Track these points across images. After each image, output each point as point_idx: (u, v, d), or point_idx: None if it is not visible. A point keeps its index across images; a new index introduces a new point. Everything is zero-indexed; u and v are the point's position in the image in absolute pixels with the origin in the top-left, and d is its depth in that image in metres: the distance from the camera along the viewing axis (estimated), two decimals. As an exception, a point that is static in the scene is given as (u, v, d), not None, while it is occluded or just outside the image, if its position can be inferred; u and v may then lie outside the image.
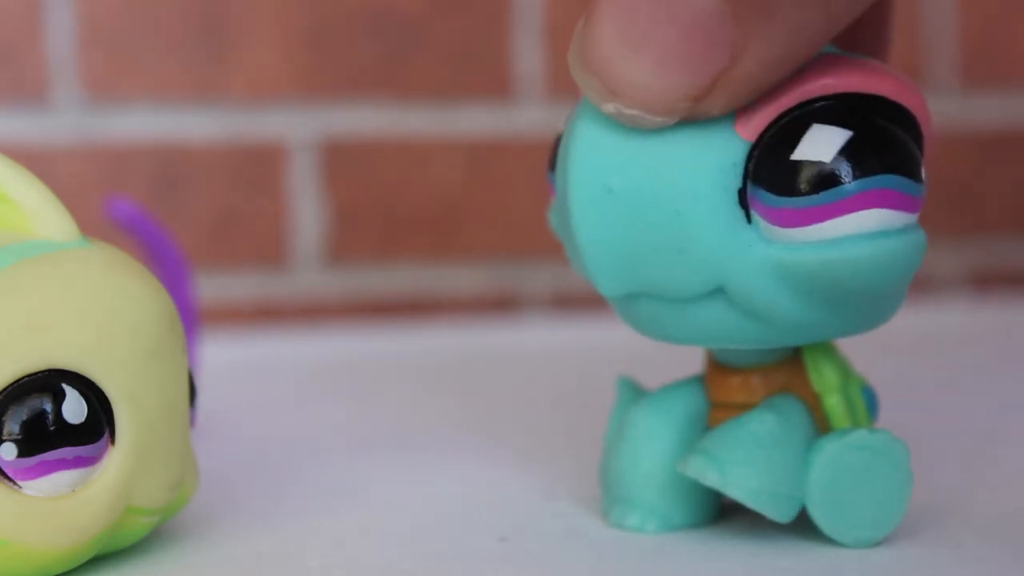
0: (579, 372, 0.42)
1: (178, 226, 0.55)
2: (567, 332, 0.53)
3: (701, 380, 0.24)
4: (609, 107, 0.21)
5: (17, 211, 0.22)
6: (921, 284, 0.63)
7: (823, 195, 0.20)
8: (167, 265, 0.33)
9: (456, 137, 0.59)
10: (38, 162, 0.55)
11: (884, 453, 0.22)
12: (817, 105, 0.20)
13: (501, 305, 0.60)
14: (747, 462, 0.22)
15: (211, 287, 0.57)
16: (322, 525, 0.25)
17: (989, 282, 0.64)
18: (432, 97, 0.59)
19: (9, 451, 0.21)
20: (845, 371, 0.24)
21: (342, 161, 0.58)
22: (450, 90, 0.59)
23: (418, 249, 0.59)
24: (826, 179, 0.20)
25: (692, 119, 0.21)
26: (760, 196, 0.21)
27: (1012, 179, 0.64)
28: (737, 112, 0.21)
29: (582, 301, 0.58)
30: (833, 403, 0.23)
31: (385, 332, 0.54)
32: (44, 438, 0.21)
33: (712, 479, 0.22)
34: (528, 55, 0.59)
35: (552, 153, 0.25)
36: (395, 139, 0.59)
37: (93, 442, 0.21)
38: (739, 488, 0.22)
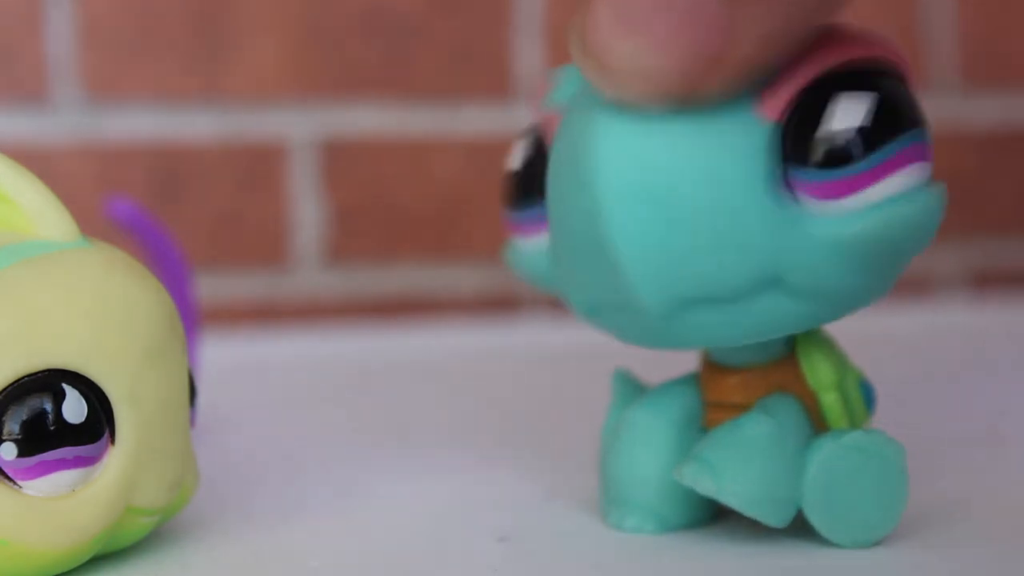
0: (579, 372, 0.42)
1: (178, 226, 0.55)
2: (567, 332, 0.53)
3: (696, 378, 0.24)
4: (609, 92, 0.21)
5: (17, 211, 0.22)
6: (921, 284, 0.63)
7: (863, 161, 0.20)
8: (167, 265, 0.33)
9: (456, 137, 0.59)
10: (38, 162, 0.55)
11: (879, 454, 0.22)
12: (833, 75, 0.21)
13: (501, 305, 0.60)
14: (742, 469, 0.22)
15: (211, 287, 0.57)
16: (322, 525, 0.25)
17: (989, 282, 0.64)
18: (432, 97, 0.59)
19: (9, 451, 0.21)
20: (841, 366, 0.24)
21: (342, 161, 0.58)
22: (450, 90, 0.59)
23: (418, 249, 0.59)
24: (869, 143, 0.20)
25: (691, 103, 0.20)
26: (801, 174, 0.20)
27: (1012, 179, 0.64)
28: (760, 94, 0.20)
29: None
30: (829, 401, 0.23)
31: (385, 332, 0.54)
32: (44, 438, 0.21)
33: (706, 487, 0.22)
34: (528, 55, 0.59)
35: (515, 189, 0.24)
36: (395, 139, 0.59)
37: (93, 442, 0.21)
38: (733, 496, 0.22)
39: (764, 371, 0.24)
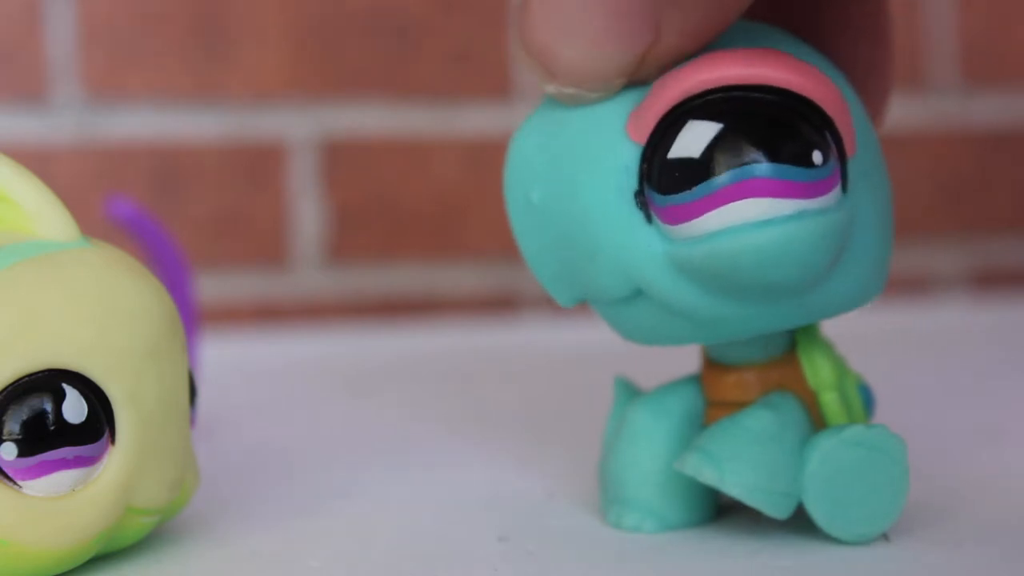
0: (579, 372, 0.42)
1: (178, 226, 0.55)
2: (567, 332, 0.53)
3: (698, 379, 0.24)
4: (550, 88, 0.21)
5: (17, 211, 0.22)
6: (921, 284, 0.63)
7: (696, 190, 0.20)
8: (167, 265, 0.33)
9: (456, 137, 0.59)
10: (38, 162, 0.55)
11: (880, 448, 0.22)
12: (697, 101, 0.21)
13: (501, 305, 0.60)
14: (744, 459, 0.22)
15: (211, 287, 0.57)
16: (322, 525, 0.25)
17: (989, 282, 0.64)
18: (432, 97, 0.59)
19: (9, 451, 0.21)
20: (841, 368, 0.24)
21: (342, 161, 0.58)
22: (450, 90, 0.59)
23: (418, 249, 0.59)
24: (697, 173, 0.20)
25: (631, 85, 0.21)
26: (652, 196, 0.21)
27: (1012, 179, 0.64)
28: (629, 115, 0.21)
29: (582, 301, 0.58)
30: (829, 400, 0.23)
31: (385, 332, 0.54)
32: (44, 438, 0.21)
33: (709, 476, 0.22)
34: (528, 55, 0.59)
35: None
36: (395, 139, 0.59)
37: (93, 442, 0.21)
38: (736, 485, 0.22)
39: (764, 370, 0.24)
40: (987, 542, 0.23)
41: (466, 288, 0.60)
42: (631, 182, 0.21)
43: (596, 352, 0.40)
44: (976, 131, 0.63)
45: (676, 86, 0.21)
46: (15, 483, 0.21)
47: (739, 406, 0.23)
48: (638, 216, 0.21)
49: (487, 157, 0.59)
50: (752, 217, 0.20)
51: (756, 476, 0.22)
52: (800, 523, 0.23)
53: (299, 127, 0.58)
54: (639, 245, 0.21)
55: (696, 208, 0.20)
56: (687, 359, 0.27)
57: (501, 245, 0.60)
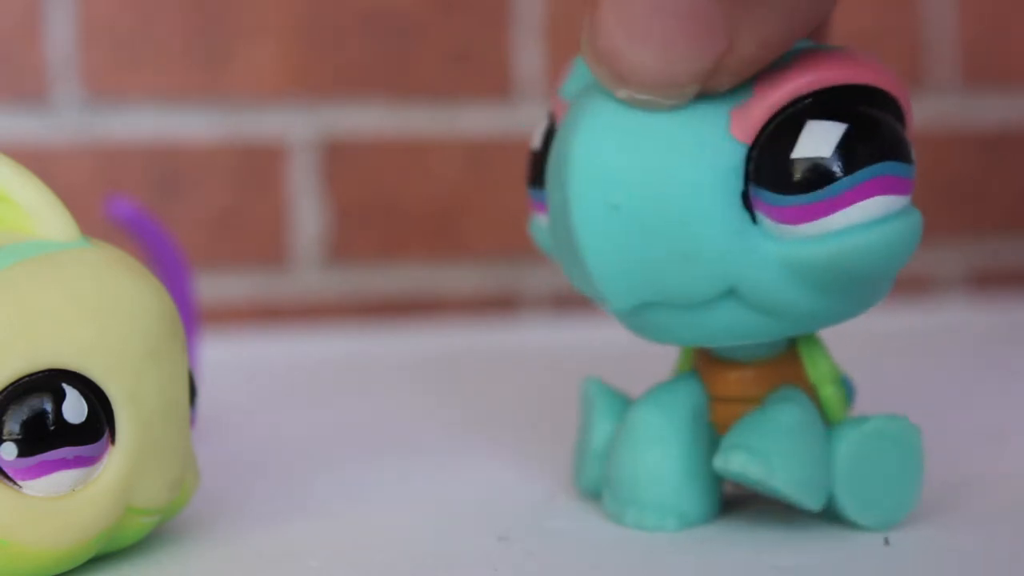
0: (579, 372, 0.42)
1: (178, 226, 0.55)
2: (567, 332, 0.53)
3: (696, 375, 0.25)
4: (622, 93, 0.21)
5: (17, 211, 0.22)
6: (921, 284, 0.63)
7: (827, 189, 0.20)
8: (167, 265, 0.33)
9: (456, 137, 0.59)
10: (38, 162, 0.55)
11: (902, 438, 0.23)
12: (808, 101, 0.21)
13: (501, 305, 0.60)
14: (787, 453, 0.22)
15: (211, 287, 0.57)
16: (322, 525, 0.25)
17: (989, 282, 0.64)
18: (432, 97, 0.59)
19: (9, 451, 0.21)
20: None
21: (342, 161, 0.58)
22: (450, 90, 0.59)
23: (418, 249, 0.59)
24: (828, 174, 0.20)
25: (704, 94, 0.21)
26: (763, 196, 0.21)
27: (1012, 179, 0.64)
28: (732, 114, 0.21)
29: (582, 301, 0.58)
30: (829, 393, 0.24)
31: (385, 332, 0.54)
32: (44, 438, 0.21)
33: (756, 472, 0.22)
34: (528, 55, 0.59)
35: (533, 169, 0.25)
36: (395, 139, 0.59)
37: (93, 442, 0.21)
38: (783, 481, 0.22)
39: (765, 366, 0.24)
40: (987, 540, 0.23)
41: (466, 288, 0.60)
42: (737, 183, 0.21)
43: (597, 352, 0.40)
44: (976, 131, 0.63)
45: (782, 87, 0.21)
46: (15, 483, 0.21)
47: (744, 401, 0.24)
48: (743, 216, 0.21)
49: (487, 157, 0.59)
50: (875, 214, 0.21)
51: (800, 471, 0.22)
52: (800, 523, 0.23)
53: (299, 127, 0.58)
54: (744, 246, 0.21)
55: (824, 207, 0.20)
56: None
57: (501, 245, 0.60)
